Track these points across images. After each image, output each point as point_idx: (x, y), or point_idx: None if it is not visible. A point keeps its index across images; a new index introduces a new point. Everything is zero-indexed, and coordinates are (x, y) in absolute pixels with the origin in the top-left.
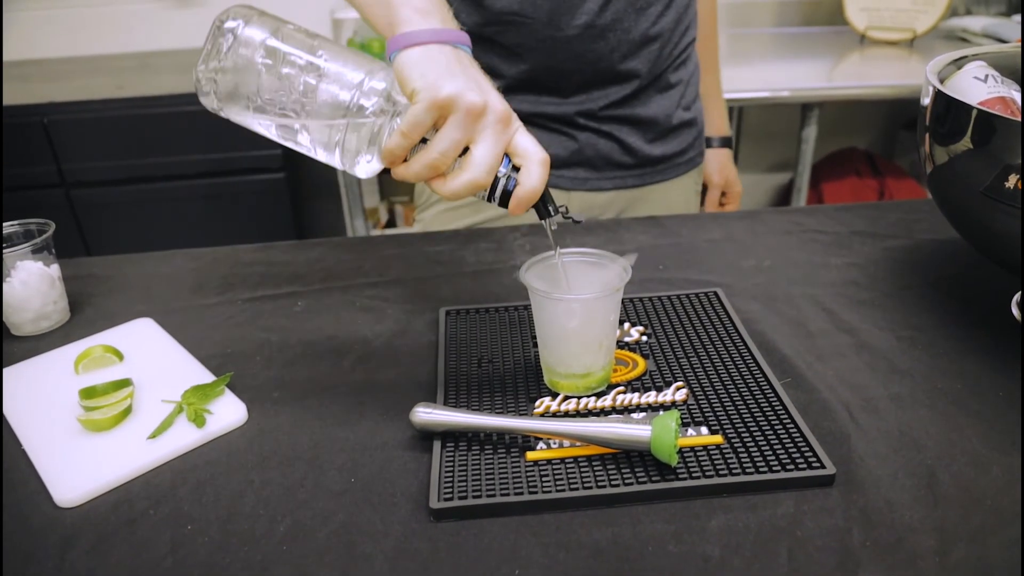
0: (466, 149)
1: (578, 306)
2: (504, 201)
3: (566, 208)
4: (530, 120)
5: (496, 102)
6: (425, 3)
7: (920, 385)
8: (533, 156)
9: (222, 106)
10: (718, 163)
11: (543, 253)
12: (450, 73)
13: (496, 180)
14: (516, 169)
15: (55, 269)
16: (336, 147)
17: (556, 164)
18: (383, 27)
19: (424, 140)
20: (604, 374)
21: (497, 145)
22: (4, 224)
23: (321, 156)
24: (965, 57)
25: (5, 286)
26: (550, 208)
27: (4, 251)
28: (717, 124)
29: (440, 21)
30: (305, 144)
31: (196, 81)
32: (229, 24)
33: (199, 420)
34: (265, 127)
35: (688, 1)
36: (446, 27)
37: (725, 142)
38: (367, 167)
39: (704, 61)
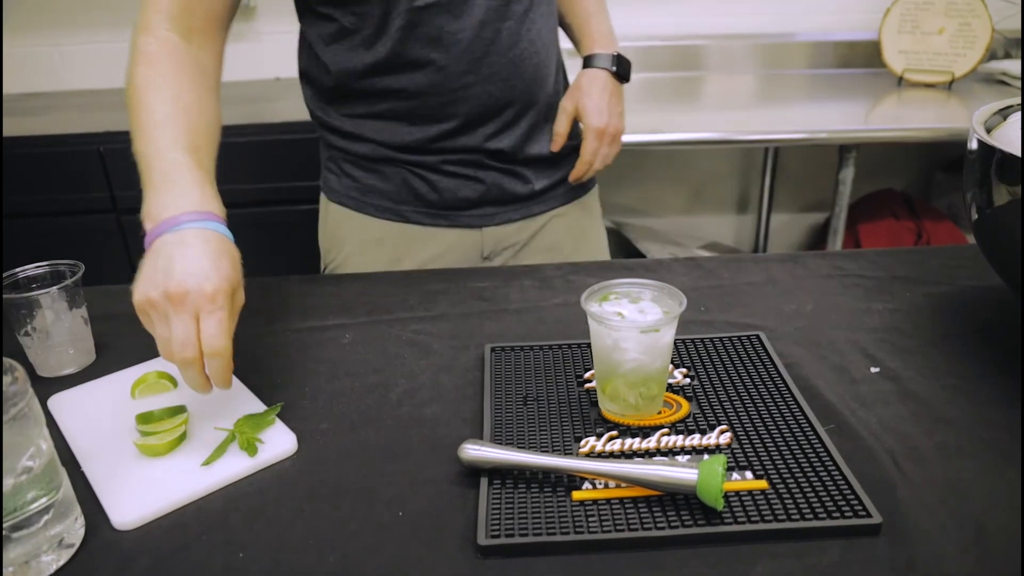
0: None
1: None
2: None
3: None
4: (445, 160)
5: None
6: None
7: (965, 434)
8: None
9: None
10: (576, 85)
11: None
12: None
13: None
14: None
15: (83, 311)
16: None
17: (466, 206)
18: None
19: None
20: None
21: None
22: (33, 265)
23: None
24: (1011, 106)
25: (32, 328)
26: None
27: (33, 293)
28: (591, 40)
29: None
30: None
31: None
32: None
33: (251, 449)
34: None
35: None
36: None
37: (593, 62)
38: None
39: None
